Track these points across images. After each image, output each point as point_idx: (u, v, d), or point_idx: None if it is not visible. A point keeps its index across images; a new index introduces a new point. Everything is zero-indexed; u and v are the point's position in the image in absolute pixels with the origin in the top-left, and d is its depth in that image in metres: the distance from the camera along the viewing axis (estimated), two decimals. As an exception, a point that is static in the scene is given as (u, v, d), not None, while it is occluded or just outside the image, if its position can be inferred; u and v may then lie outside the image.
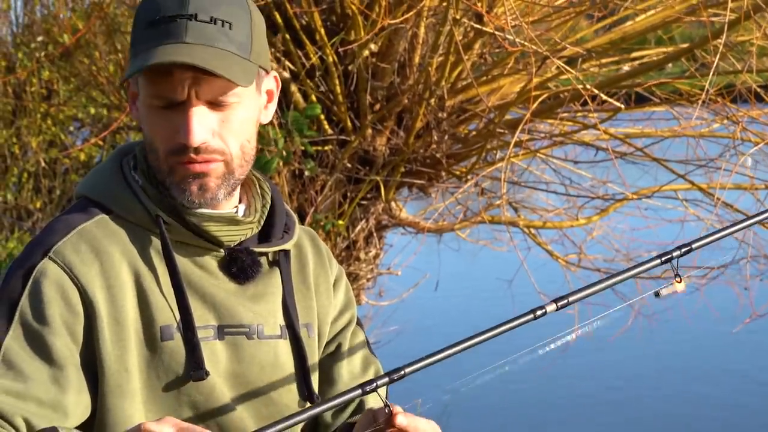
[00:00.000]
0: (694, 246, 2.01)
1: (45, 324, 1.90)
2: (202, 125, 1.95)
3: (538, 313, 1.88)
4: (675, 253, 2.00)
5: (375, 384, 1.82)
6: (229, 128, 1.98)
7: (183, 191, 1.98)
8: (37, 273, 1.93)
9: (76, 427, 1.91)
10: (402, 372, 1.83)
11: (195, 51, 1.91)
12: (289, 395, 2.09)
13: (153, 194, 2.01)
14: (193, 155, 1.96)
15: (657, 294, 1.98)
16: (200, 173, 1.97)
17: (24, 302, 1.91)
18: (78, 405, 1.91)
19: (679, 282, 1.98)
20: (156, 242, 2.00)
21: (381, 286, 6.99)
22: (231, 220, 2.03)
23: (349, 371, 2.20)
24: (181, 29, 1.92)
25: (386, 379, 1.84)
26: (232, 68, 1.93)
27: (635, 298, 2.03)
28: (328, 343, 2.21)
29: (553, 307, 1.89)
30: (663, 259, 1.99)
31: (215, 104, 1.97)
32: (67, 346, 1.91)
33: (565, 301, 1.90)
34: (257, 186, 2.15)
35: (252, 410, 2.04)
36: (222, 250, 2.04)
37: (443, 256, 7.28)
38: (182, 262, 2.01)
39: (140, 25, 1.96)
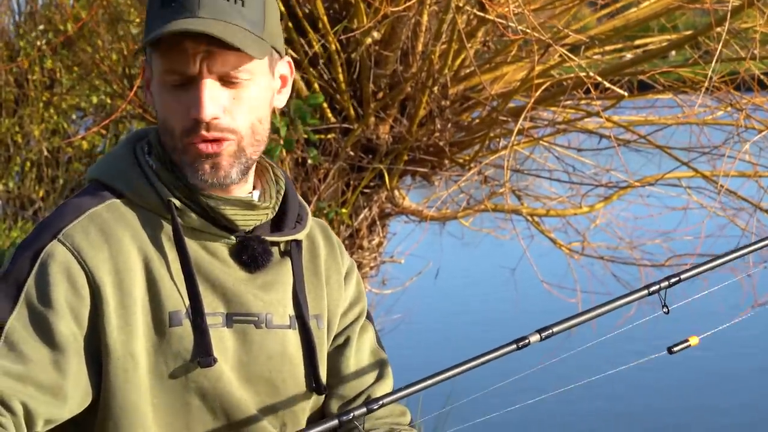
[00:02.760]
0: (682, 277, 1.99)
1: (50, 307, 1.89)
2: (213, 100, 1.95)
3: (521, 344, 1.88)
4: (663, 284, 1.98)
5: (352, 414, 1.86)
6: (240, 106, 1.99)
7: (196, 171, 1.98)
8: (44, 255, 1.92)
9: (75, 416, 1.91)
10: (381, 402, 1.84)
11: (208, 24, 1.92)
12: (296, 385, 2.08)
13: (168, 178, 2.01)
14: (204, 132, 1.96)
15: (670, 351, 1.97)
16: (211, 154, 1.97)
17: (30, 283, 1.91)
18: (77, 390, 1.90)
19: (693, 338, 1.96)
20: (167, 228, 2.00)
21: (384, 274, 6.99)
22: (247, 205, 2.03)
23: (356, 364, 2.19)
24: (194, 4, 1.93)
25: (364, 409, 1.86)
26: (244, 41, 1.94)
27: (646, 357, 2.01)
28: (337, 336, 2.20)
29: (536, 337, 1.89)
30: (650, 290, 1.97)
31: (227, 81, 1.97)
32: (70, 330, 1.90)
33: (550, 331, 1.89)
34: (271, 173, 2.14)
35: (258, 399, 2.03)
36: (233, 238, 2.03)
37: (446, 245, 7.28)
38: (193, 248, 2.00)
39: (154, 4, 1.97)
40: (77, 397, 1.91)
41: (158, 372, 1.96)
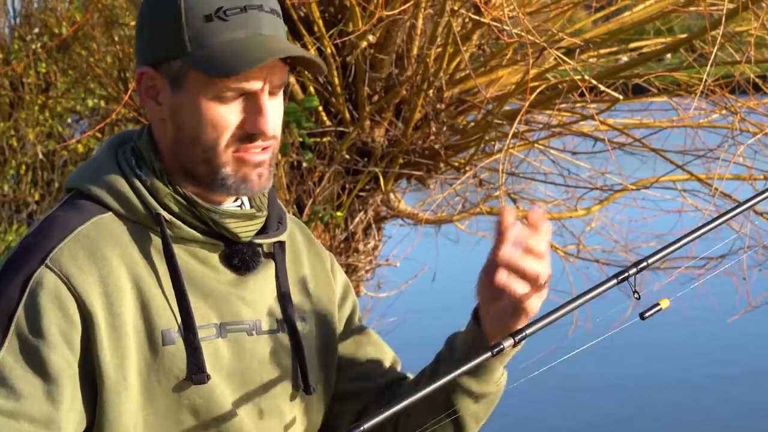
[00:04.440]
0: (649, 261, 2.00)
1: (41, 337, 1.87)
2: (272, 113, 2.00)
3: (495, 350, 1.88)
4: (631, 271, 1.98)
5: None
6: (279, 113, 2.03)
7: (244, 181, 1.99)
8: (33, 283, 1.90)
9: None
10: (361, 428, 1.79)
11: (277, 42, 1.98)
12: (285, 388, 2.09)
13: (163, 190, 1.99)
14: (260, 142, 1.99)
15: (642, 316, 1.98)
16: (260, 162, 2.00)
17: (20, 313, 1.88)
18: (71, 418, 1.89)
19: (664, 300, 1.98)
20: (156, 240, 1.98)
21: (380, 277, 7.00)
22: (249, 216, 2.04)
23: (375, 351, 2.27)
24: (257, 20, 1.97)
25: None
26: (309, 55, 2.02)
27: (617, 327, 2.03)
28: (349, 324, 2.24)
29: (510, 341, 1.90)
30: (619, 278, 1.98)
31: (273, 93, 2.01)
32: (64, 358, 1.88)
33: (522, 334, 1.91)
34: None
35: (250, 405, 2.03)
36: (222, 243, 2.03)
37: (442, 248, 7.28)
38: (183, 258, 1.99)
39: (194, 14, 1.94)
40: (72, 425, 1.90)
41: (151, 390, 1.95)
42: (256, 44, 1.94)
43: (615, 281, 1.98)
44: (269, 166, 2.02)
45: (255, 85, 1.96)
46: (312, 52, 2.00)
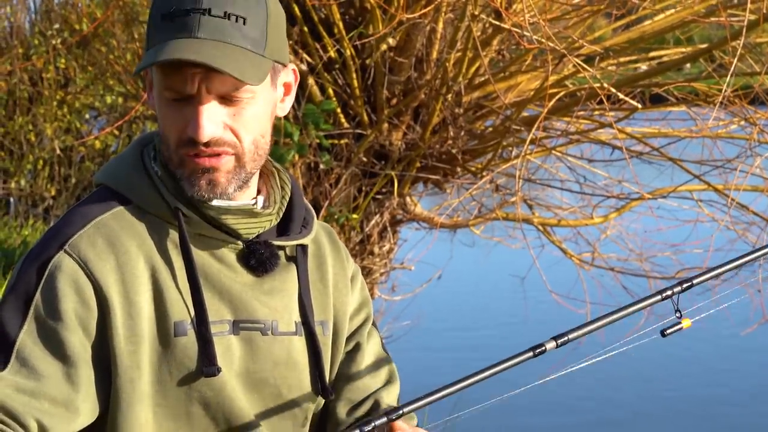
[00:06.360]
0: (695, 281, 2.02)
1: (59, 319, 1.90)
2: (212, 120, 1.93)
3: (537, 351, 1.89)
4: (676, 289, 2.00)
5: (372, 425, 1.85)
6: (242, 122, 1.96)
7: (192, 185, 1.97)
8: (52, 267, 1.92)
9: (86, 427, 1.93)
10: (400, 411, 1.85)
11: (205, 47, 1.89)
12: (301, 392, 2.08)
13: (171, 185, 2.00)
14: (202, 148, 1.94)
15: (663, 334, 1.99)
16: (209, 168, 1.96)
17: (38, 297, 1.91)
18: (88, 402, 1.91)
19: (686, 320, 1.99)
20: (174, 235, 1.99)
21: (394, 280, 7.00)
22: (249, 212, 2.02)
23: (364, 368, 2.19)
24: (194, 24, 1.90)
25: (384, 419, 1.86)
26: (243, 66, 1.91)
27: (639, 341, 2.02)
28: (347, 341, 2.20)
29: (552, 344, 1.90)
30: (663, 295, 1.99)
31: (227, 99, 1.95)
32: (80, 342, 1.90)
33: (565, 338, 1.91)
34: (277, 177, 2.13)
35: (262, 406, 2.04)
36: (240, 243, 2.03)
37: (457, 252, 7.28)
38: (200, 254, 2.00)
39: (155, 16, 1.95)
40: (88, 409, 1.92)
41: (161, 381, 1.96)
42: (176, 47, 1.90)
43: (659, 297, 2.00)
44: (228, 174, 1.98)
45: (187, 89, 1.93)
46: (235, 65, 1.86)
